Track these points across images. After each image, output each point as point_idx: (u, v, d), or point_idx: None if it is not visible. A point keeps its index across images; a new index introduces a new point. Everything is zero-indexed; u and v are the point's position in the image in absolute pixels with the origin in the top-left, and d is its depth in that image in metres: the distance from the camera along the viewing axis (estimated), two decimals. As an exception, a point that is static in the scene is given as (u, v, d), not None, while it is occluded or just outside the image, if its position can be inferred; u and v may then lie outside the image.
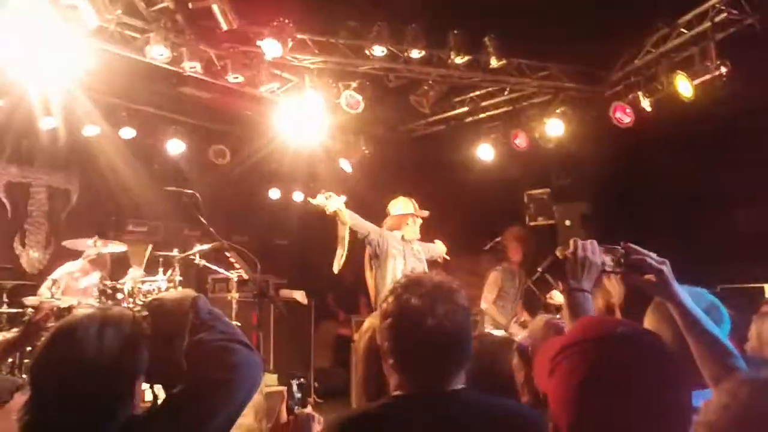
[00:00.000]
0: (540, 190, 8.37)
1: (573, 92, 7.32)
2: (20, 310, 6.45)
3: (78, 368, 1.55)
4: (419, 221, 5.59)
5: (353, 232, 5.16)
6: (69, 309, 5.94)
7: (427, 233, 8.48)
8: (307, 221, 8.01)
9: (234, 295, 6.91)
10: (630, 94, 6.72)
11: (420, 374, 1.70)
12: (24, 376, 4.62)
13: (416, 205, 5.62)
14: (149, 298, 3.80)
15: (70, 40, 5.35)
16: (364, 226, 5.22)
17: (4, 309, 6.59)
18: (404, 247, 5.37)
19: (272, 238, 9.51)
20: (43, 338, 1.69)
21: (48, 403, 1.57)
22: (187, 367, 1.63)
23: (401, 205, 5.64)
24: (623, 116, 6.74)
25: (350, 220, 5.11)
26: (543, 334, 2.28)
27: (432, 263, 5.78)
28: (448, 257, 5.90)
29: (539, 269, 1.89)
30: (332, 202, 5.11)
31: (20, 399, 1.92)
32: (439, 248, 5.92)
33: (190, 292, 1.80)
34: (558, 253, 1.88)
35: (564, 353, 1.23)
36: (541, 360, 1.30)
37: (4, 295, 6.62)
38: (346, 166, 8.57)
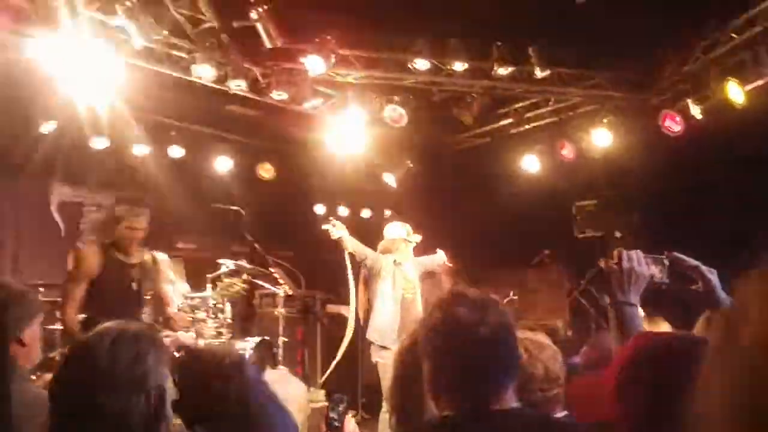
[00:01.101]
0: (588, 202, 8.21)
1: (620, 101, 7.19)
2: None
3: (91, 380, 1.55)
4: (412, 245, 6.02)
5: (353, 256, 5.77)
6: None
7: (473, 247, 8.43)
8: (354, 236, 8.01)
9: (280, 311, 6.94)
10: (679, 102, 6.56)
11: (468, 390, 1.64)
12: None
13: (410, 230, 6.05)
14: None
15: (118, 61, 5.47)
16: (363, 251, 5.76)
17: (58, 326, 6.73)
18: (394, 270, 5.85)
19: (318, 254, 9.54)
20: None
21: (66, 418, 1.58)
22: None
23: (394, 230, 6.06)
24: (673, 124, 6.58)
25: (351, 246, 5.69)
26: (599, 355, 2.19)
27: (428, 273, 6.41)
28: (450, 264, 6.41)
29: (583, 281, 1.82)
30: (335, 231, 5.67)
31: None
32: (437, 258, 6.38)
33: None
34: (602, 264, 1.80)
35: (630, 373, 1.16)
36: (594, 381, 1.23)
37: (58, 313, 6.76)
38: (390, 180, 8.57)
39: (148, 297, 4.59)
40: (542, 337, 2.26)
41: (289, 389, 2.19)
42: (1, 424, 1.70)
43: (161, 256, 4.87)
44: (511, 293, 7.25)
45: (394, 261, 5.87)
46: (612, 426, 1.18)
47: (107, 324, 1.70)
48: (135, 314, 4.40)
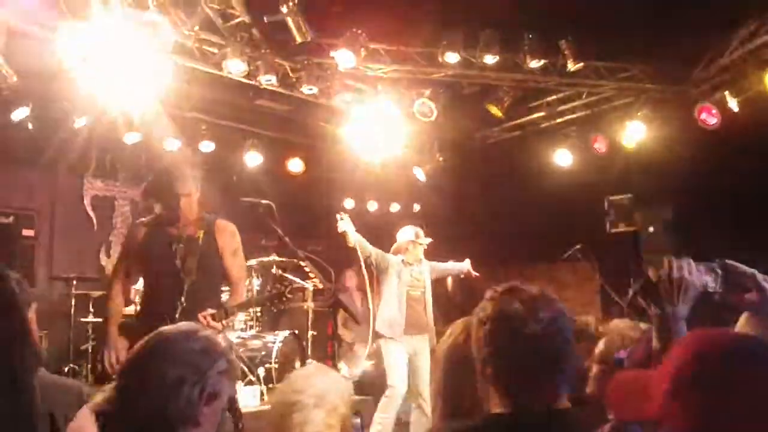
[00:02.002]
0: (621, 196, 8.09)
1: (655, 93, 7.07)
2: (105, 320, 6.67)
3: (159, 353, 1.66)
4: (421, 247, 6.14)
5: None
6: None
7: (503, 242, 8.36)
8: (383, 230, 7.99)
9: (310, 305, 6.96)
10: (716, 94, 6.43)
11: (522, 386, 1.60)
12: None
13: (419, 233, 6.18)
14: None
15: (150, 56, 5.50)
16: (366, 248, 5.85)
17: (90, 318, 6.84)
18: (402, 269, 6.01)
19: (348, 248, 9.54)
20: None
21: (126, 387, 1.66)
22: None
23: (404, 233, 6.20)
24: (709, 117, 6.46)
25: (355, 241, 5.76)
26: (644, 351, 2.13)
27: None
28: (475, 273, 6.52)
29: (631, 291, 1.75)
30: (341, 224, 5.75)
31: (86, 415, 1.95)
32: (460, 266, 6.51)
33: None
34: (651, 274, 1.72)
35: (689, 372, 1.11)
36: (646, 378, 1.18)
37: (91, 305, 6.86)
38: (420, 174, 8.53)
39: (188, 284, 3.89)
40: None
41: (329, 382, 2.17)
42: (28, 413, 1.73)
43: (222, 225, 4.11)
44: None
45: (403, 260, 6.07)
46: (660, 425, 1.14)
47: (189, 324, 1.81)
48: (173, 301, 3.85)
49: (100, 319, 6.77)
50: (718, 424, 1.05)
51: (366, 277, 5.35)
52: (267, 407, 6.08)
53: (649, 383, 1.14)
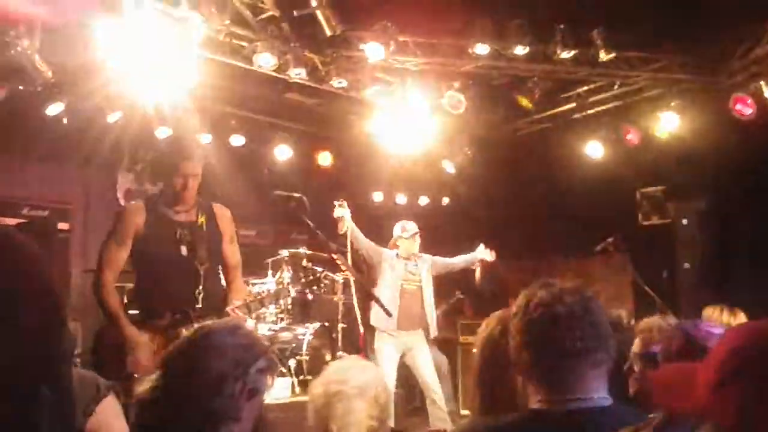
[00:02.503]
0: (653, 188, 7.99)
1: (688, 84, 6.95)
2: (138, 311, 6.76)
3: (201, 349, 1.66)
4: (409, 241, 6.14)
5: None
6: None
7: (533, 235, 8.30)
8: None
9: (340, 297, 6.99)
10: (752, 85, 6.30)
11: (555, 374, 1.60)
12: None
13: (406, 226, 6.21)
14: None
15: (181, 51, 5.55)
16: (358, 238, 5.83)
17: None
18: (395, 262, 6.07)
19: (377, 241, 9.55)
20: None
21: (170, 381, 1.66)
22: None
23: (394, 230, 6.30)
24: (744, 108, 6.34)
25: (348, 228, 5.65)
26: (678, 344, 2.10)
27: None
28: (491, 256, 6.48)
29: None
30: (338, 210, 5.68)
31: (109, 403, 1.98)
32: (471, 256, 6.47)
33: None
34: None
35: (736, 365, 1.09)
36: (691, 370, 1.15)
37: (125, 297, 6.95)
38: (449, 167, 8.50)
39: (203, 272, 3.75)
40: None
41: (369, 374, 2.19)
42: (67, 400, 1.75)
43: (221, 211, 4.00)
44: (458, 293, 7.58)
45: (397, 254, 6.12)
46: (704, 418, 1.11)
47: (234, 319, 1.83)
48: (191, 293, 3.71)
49: (134, 311, 6.86)
50: (762, 418, 1.03)
51: (349, 267, 5.05)
52: (298, 399, 6.14)
53: (694, 376, 1.12)
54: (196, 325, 2.85)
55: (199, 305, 3.69)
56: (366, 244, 5.97)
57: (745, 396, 1.04)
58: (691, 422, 1.13)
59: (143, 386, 1.73)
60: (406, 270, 6.13)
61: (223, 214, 3.98)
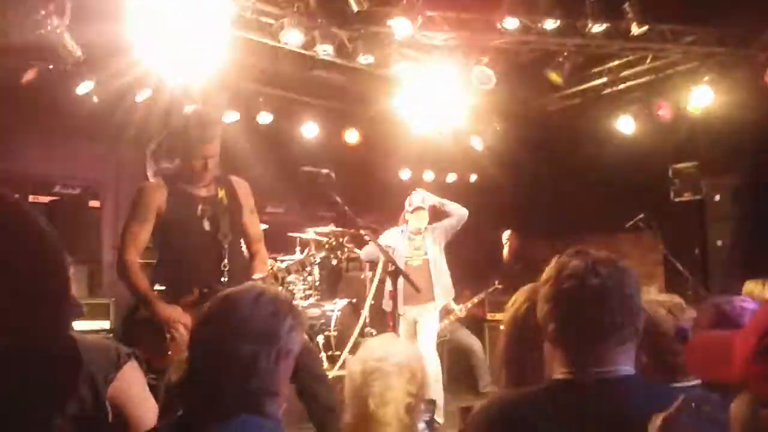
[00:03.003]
0: (686, 164, 7.85)
1: (722, 57, 6.79)
2: (164, 288, 6.85)
3: (227, 328, 1.64)
4: (414, 215, 6.08)
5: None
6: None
7: (563, 211, 8.22)
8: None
9: (367, 274, 7.01)
10: (787, 57, 6.15)
11: (581, 344, 1.58)
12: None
13: (411, 200, 6.14)
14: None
15: (209, 28, 5.55)
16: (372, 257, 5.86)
17: (156, 287, 7.01)
18: (399, 240, 6.03)
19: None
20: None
21: (197, 362, 1.67)
22: None
23: (406, 203, 6.19)
24: (780, 80, 6.18)
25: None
26: (711, 320, 2.07)
27: None
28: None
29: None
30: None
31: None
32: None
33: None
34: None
35: None
36: (727, 340, 1.13)
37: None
38: (477, 144, 8.43)
39: (227, 245, 3.69)
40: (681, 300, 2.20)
41: (407, 351, 2.20)
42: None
43: (239, 183, 3.94)
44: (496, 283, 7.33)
45: (402, 231, 6.07)
46: (741, 389, 1.09)
47: (255, 283, 1.81)
48: (217, 267, 3.66)
49: (163, 287, 6.94)
50: None
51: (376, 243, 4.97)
52: (328, 374, 6.18)
53: (731, 346, 1.10)
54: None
55: (226, 279, 3.65)
56: (364, 256, 6.06)
57: None
58: (728, 391, 1.12)
59: (174, 374, 1.73)
60: (411, 246, 6.10)
61: (242, 186, 3.93)
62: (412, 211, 6.11)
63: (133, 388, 1.99)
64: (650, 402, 1.48)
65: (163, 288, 3.71)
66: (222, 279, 3.65)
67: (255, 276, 3.69)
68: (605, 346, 1.57)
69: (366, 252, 6.30)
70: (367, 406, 2.05)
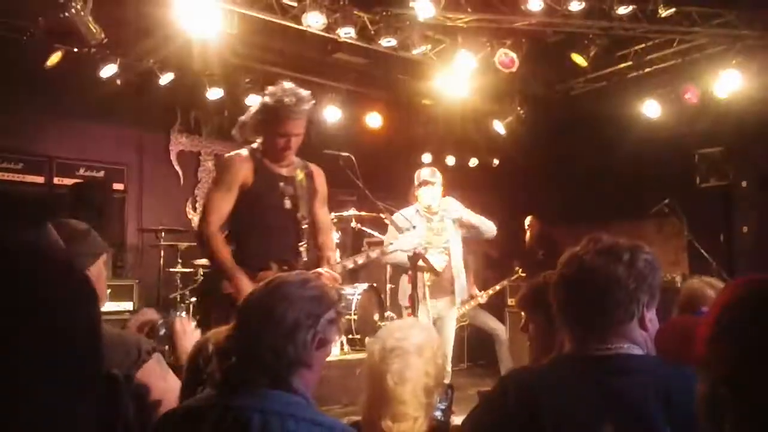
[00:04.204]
0: (712, 149, 7.73)
1: (751, 40, 6.65)
2: (192, 270, 6.92)
3: (276, 300, 1.72)
4: (425, 189, 5.26)
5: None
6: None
7: (587, 196, 8.15)
8: (461, 185, 7.92)
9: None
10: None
11: (587, 323, 1.66)
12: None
13: (419, 174, 5.34)
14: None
15: (230, 12, 5.55)
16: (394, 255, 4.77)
17: (179, 269, 7.10)
18: (417, 222, 4.97)
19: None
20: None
21: (244, 336, 1.74)
22: None
23: (414, 178, 5.40)
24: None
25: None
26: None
27: None
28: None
29: None
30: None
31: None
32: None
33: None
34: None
35: (734, 314, 1.07)
36: (694, 323, 1.14)
37: (178, 256, 7.11)
38: (499, 128, 8.37)
39: (305, 225, 3.65)
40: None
41: (427, 335, 2.21)
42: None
43: (317, 170, 3.85)
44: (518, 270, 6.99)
45: (417, 210, 5.27)
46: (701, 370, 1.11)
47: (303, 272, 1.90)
48: (295, 245, 3.61)
49: (188, 270, 7.01)
50: (753, 372, 1.02)
51: (397, 226, 4.50)
52: (347, 357, 6.21)
53: (695, 329, 1.11)
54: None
55: (305, 259, 3.64)
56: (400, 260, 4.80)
57: (738, 348, 1.04)
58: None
59: (220, 335, 1.78)
60: (430, 229, 5.25)
61: (320, 173, 3.86)
62: (419, 185, 5.33)
63: (153, 380, 2.02)
64: (647, 377, 1.57)
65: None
66: (300, 258, 3.62)
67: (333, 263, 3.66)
68: (603, 326, 1.65)
69: (392, 257, 4.92)
70: (384, 384, 2.05)
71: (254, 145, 3.64)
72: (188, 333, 2.39)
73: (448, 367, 5.03)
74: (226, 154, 3.65)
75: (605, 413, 1.50)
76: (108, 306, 6.00)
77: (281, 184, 3.61)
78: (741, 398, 1.02)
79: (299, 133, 3.60)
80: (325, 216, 3.87)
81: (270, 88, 3.59)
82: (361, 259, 3.91)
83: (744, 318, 1.06)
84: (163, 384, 2.07)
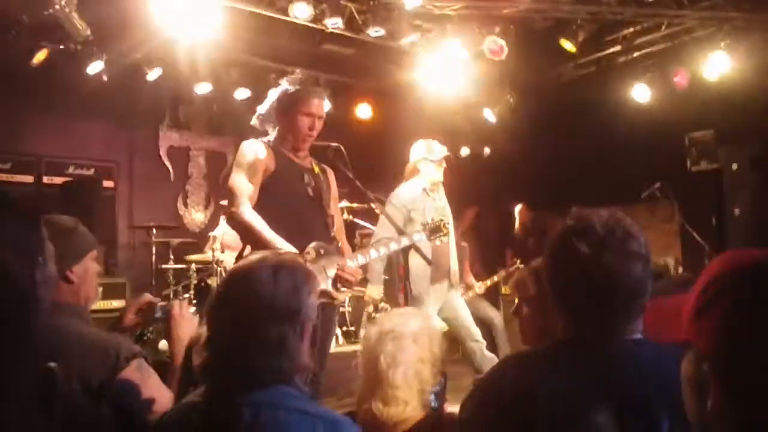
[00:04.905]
0: (703, 132, 7.73)
1: (740, 22, 6.64)
2: (185, 266, 6.89)
3: (252, 310, 1.59)
4: (434, 165, 5.07)
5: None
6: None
7: (578, 182, 8.15)
8: (452, 174, 7.90)
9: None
10: (809, 21, 6.00)
11: (580, 307, 1.61)
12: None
13: (433, 146, 5.14)
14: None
15: (217, 5, 5.51)
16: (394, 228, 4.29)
17: (171, 265, 7.07)
18: (426, 202, 4.89)
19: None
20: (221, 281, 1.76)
21: (223, 345, 1.62)
22: None
23: (415, 150, 5.19)
24: (800, 46, 6.05)
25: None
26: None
27: None
28: None
29: None
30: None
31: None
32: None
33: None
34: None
35: (718, 289, 1.05)
36: (681, 301, 1.13)
37: (170, 252, 7.08)
38: (489, 116, 8.35)
39: (330, 212, 3.57)
40: None
41: (424, 324, 2.21)
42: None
43: (329, 170, 3.77)
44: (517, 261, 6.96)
45: (422, 189, 4.98)
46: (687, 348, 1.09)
47: (264, 254, 1.72)
48: (326, 232, 3.50)
49: (180, 266, 6.99)
50: (736, 346, 1.00)
51: (388, 216, 4.15)
52: (342, 349, 6.20)
53: (682, 307, 1.10)
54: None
55: (338, 244, 3.55)
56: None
57: (720, 324, 1.03)
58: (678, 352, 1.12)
59: (198, 357, 1.70)
60: (436, 208, 4.96)
61: (332, 173, 3.76)
62: (437, 160, 5.04)
63: (135, 385, 1.97)
64: (647, 363, 1.50)
65: None
66: (335, 244, 3.53)
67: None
68: (601, 304, 1.58)
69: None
70: (378, 366, 2.05)
71: (269, 137, 3.54)
72: (186, 318, 2.30)
73: (478, 338, 4.98)
74: (244, 141, 3.50)
75: (603, 400, 1.46)
76: (100, 304, 5.97)
77: (303, 173, 3.52)
78: (723, 376, 1.01)
79: (322, 116, 3.53)
80: (339, 215, 3.78)
81: (287, 77, 3.60)
82: (384, 249, 3.78)
83: (725, 294, 1.04)
84: (144, 385, 2.01)
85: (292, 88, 3.47)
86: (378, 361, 2.06)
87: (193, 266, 6.70)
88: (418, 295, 4.75)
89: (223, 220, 7.10)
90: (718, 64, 6.75)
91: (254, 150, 3.40)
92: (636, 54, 7.48)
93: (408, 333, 2.10)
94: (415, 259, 4.26)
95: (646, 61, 7.50)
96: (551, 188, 8.37)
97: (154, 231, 7.16)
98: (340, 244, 3.63)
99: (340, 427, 1.58)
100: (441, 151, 5.11)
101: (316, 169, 3.62)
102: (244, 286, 1.63)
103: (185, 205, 8.71)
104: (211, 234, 6.96)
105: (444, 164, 5.15)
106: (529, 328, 2.22)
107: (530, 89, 8.28)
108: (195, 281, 6.64)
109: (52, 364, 1.47)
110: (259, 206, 3.35)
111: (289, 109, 3.47)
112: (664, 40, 7.23)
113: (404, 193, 4.93)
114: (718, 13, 6.59)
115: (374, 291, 5.23)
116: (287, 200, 3.41)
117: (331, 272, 3.38)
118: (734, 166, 7.41)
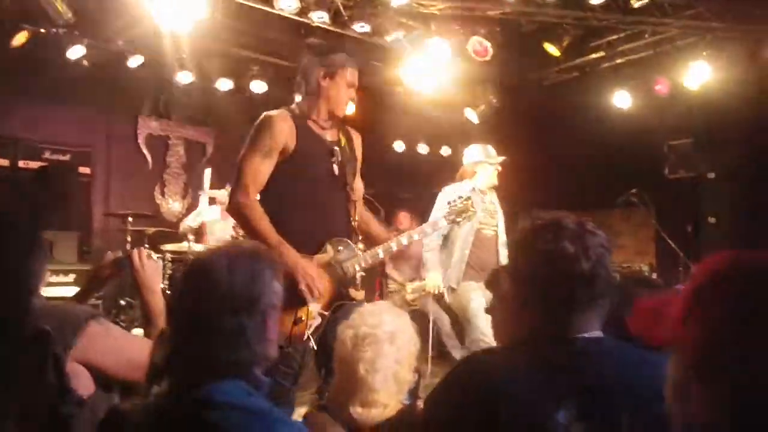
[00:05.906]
0: (682, 141, 7.81)
1: (722, 32, 6.71)
2: (160, 255, 6.82)
3: (208, 301, 1.57)
4: (492, 168, 5.21)
5: None
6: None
7: (558, 186, 8.19)
8: (433, 173, 7.92)
9: (360, 245, 6.98)
10: (788, 34, 6.08)
11: (542, 307, 1.63)
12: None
13: (490, 150, 5.30)
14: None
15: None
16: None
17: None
18: (476, 199, 4.49)
19: (397, 192, 9.51)
20: (179, 275, 1.72)
21: (183, 337, 1.60)
22: None
23: (471, 154, 5.36)
24: (780, 58, 6.13)
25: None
26: None
27: None
28: None
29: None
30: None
31: None
32: None
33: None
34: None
35: (707, 293, 1.06)
36: (667, 303, 1.13)
37: (146, 241, 7.01)
38: (472, 116, 8.36)
39: (354, 198, 3.27)
40: None
41: (400, 322, 2.20)
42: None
43: (356, 134, 3.45)
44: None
45: (474, 188, 4.99)
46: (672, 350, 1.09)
47: (225, 243, 1.70)
48: (347, 222, 3.23)
49: (156, 255, 6.90)
50: (719, 351, 1.00)
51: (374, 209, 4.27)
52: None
53: (667, 309, 1.10)
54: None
55: (359, 237, 3.30)
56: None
57: (703, 329, 1.03)
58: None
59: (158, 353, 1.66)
60: (485, 209, 5.00)
61: (358, 137, 3.42)
62: (495, 163, 5.17)
63: (99, 343, 1.93)
64: (621, 359, 1.53)
65: None
66: (356, 237, 3.30)
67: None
68: (577, 316, 1.59)
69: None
70: (356, 371, 2.04)
71: (292, 106, 3.23)
72: (147, 266, 2.25)
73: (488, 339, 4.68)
74: (264, 113, 3.16)
75: (565, 397, 1.47)
76: (73, 290, 5.89)
77: (332, 148, 3.19)
78: (708, 381, 1.01)
79: (356, 87, 3.29)
80: (360, 188, 3.39)
81: (311, 39, 3.35)
82: (405, 240, 3.42)
83: (715, 297, 1.04)
84: (109, 341, 1.99)
85: (334, 53, 3.23)
86: (356, 367, 2.05)
87: (168, 256, 6.63)
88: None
89: (206, 211, 7.06)
90: (699, 74, 6.81)
91: (274, 125, 3.08)
92: (619, 60, 7.53)
93: (384, 336, 2.09)
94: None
95: (628, 69, 7.55)
96: (531, 192, 8.40)
97: (130, 219, 7.06)
98: (363, 235, 3.42)
99: (277, 428, 1.52)
100: (493, 154, 5.25)
101: (343, 141, 3.28)
102: (201, 276, 1.60)
103: (162, 194, 8.63)
104: (187, 223, 6.92)
105: (500, 168, 5.24)
106: (501, 326, 2.21)
107: (513, 91, 8.31)
108: (170, 271, 6.57)
109: (47, 327, 1.45)
110: (274, 192, 3.10)
111: (332, 77, 3.19)
112: (646, 48, 7.28)
113: (454, 189, 4.86)
114: (700, 23, 6.64)
115: (435, 278, 4.96)
116: (306, 184, 3.11)
117: (349, 269, 3.14)
118: (711, 175, 7.50)
